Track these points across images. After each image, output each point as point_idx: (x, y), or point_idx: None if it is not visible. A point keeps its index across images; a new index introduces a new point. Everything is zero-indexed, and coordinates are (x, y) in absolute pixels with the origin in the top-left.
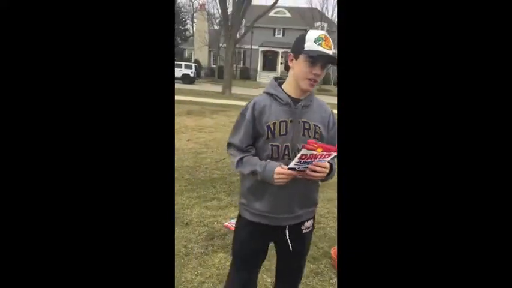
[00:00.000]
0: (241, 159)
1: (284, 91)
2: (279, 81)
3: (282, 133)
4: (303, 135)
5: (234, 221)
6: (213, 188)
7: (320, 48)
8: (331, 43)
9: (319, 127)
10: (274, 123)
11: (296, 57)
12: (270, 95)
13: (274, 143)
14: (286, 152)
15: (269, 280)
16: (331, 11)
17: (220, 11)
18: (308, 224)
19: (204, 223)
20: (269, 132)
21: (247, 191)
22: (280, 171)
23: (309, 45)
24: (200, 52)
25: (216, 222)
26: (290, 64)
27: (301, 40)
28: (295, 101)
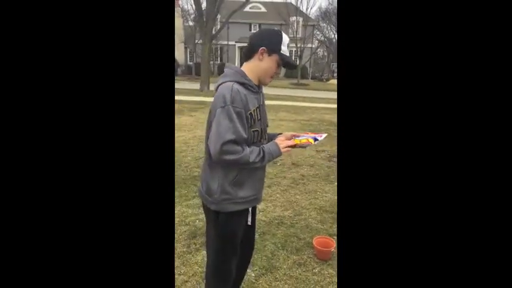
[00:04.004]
0: (253, 149)
1: (249, 80)
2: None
3: (258, 118)
4: (266, 115)
5: None
6: (194, 186)
7: (288, 55)
8: None
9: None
10: (254, 111)
11: (269, 54)
12: (242, 84)
13: (255, 129)
14: (262, 134)
15: (253, 274)
16: (306, 5)
17: (194, 6)
18: None
19: (185, 222)
20: (251, 119)
21: (230, 183)
22: (284, 143)
23: (285, 50)
24: (176, 49)
25: (198, 221)
26: (260, 57)
27: (279, 41)
28: (259, 87)
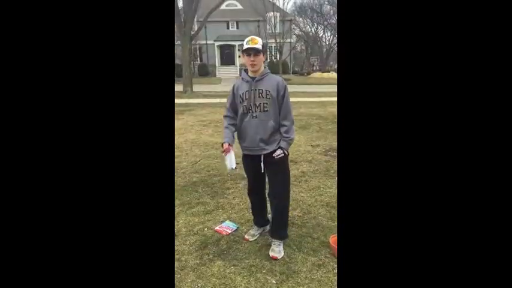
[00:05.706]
0: None
1: (247, 74)
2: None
3: (246, 98)
4: (258, 97)
5: (225, 224)
6: (195, 192)
7: (247, 46)
8: (257, 40)
9: (269, 91)
10: (243, 93)
11: (243, 55)
12: (241, 78)
13: (243, 104)
14: (249, 108)
15: (274, 281)
16: (282, 0)
17: None
18: None
19: (193, 231)
20: (240, 98)
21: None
22: None
23: (244, 44)
24: None
25: (206, 229)
26: (243, 59)
27: (243, 45)
28: (252, 78)
